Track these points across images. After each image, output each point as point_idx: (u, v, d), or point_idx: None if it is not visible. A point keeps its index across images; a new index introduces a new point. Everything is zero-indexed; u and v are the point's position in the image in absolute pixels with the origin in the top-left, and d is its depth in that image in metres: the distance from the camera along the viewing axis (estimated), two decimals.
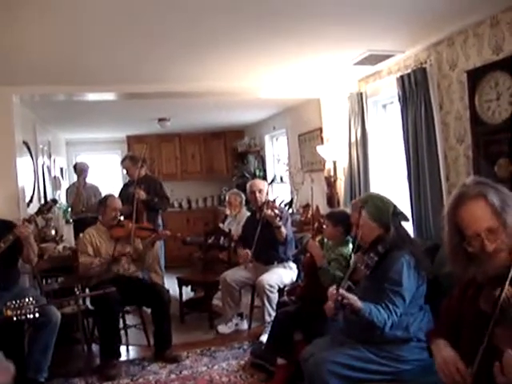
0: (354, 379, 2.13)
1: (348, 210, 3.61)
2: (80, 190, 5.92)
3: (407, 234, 2.46)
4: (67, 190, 6.18)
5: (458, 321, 1.60)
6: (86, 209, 5.85)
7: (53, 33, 2.90)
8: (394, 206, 2.51)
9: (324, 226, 3.39)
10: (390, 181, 4.36)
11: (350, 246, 3.28)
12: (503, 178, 2.87)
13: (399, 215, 2.49)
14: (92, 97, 4.56)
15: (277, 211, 4.06)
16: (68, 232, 5.22)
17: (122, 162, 5.46)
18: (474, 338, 1.43)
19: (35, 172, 5.32)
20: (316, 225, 3.50)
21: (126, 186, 5.38)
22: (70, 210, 6.07)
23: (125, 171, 5.58)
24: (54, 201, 3.67)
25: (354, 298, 2.13)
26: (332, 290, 2.17)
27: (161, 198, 5.19)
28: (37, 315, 2.42)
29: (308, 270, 3.42)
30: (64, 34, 2.94)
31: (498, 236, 1.48)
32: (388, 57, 3.83)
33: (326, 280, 3.08)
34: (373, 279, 2.25)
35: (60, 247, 4.40)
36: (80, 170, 6.06)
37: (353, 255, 2.30)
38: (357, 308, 2.12)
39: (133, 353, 3.99)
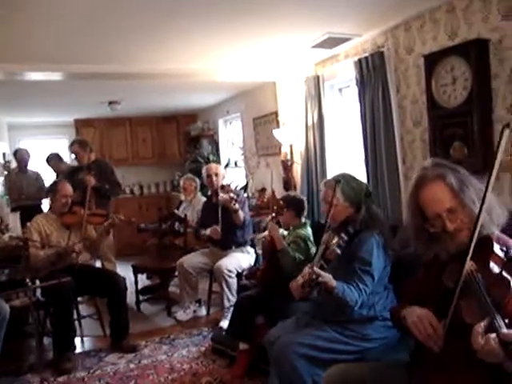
0: (320, 360, 2.14)
1: (297, 194, 3.70)
2: (18, 177, 5.97)
3: (377, 215, 2.48)
4: (5, 177, 6.12)
5: (421, 300, 1.62)
6: (26, 196, 5.86)
7: None
8: (367, 187, 2.54)
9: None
10: (347, 164, 4.41)
11: (309, 228, 3.33)
12: (458, 161, 2.94)
13: (370, 195, 2.51)
14: (35, 76, 4.28)
15: (232, 195, 4.01)
16: (14, 221, 4.94)
17: (70, 146, 5.22)
18: (438, 315, 1.47)
19: None
20: (275, 207, 3.48)
21: (74, 171, 5.13)
22: (6, 197, 5.94)
23: (73, 156, 5.34)
24: None
25: (328, 277, 2.13)
26: (307, 268, 2.17)
27: (112, 184, 5.01)
28: None
29: (268, 253, 3.41)
30: (5, 7, 2.72)
31: (458, 215, 1.55)
32: (346, 40, 3.83)
33: (285, 262, 3.09)
34: (342, 259, 2.26)
35: (6, 237, 4.15)
36: (20, 156, 6.07)
37: (324, 234, 2.28)
38: (331, 287, 2.13)
39: (88, 344, 3.85)
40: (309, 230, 3.35)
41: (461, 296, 1.42)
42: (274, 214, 3.37)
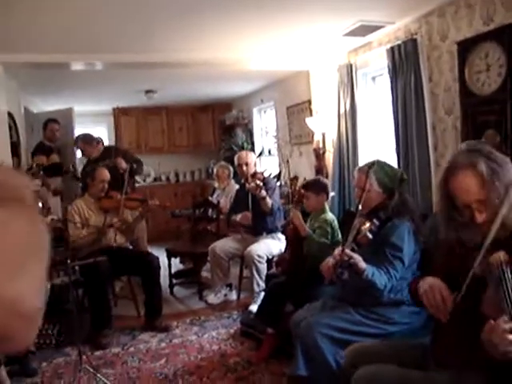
0: (344, 341, 2.18)
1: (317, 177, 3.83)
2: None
3: (409, 202, 2.48)
4: None
5: (449, 274, 1.59)
6: None
7: (40, 1, 2.82)
8: (402, 173, 2.52)
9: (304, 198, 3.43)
10: (379, 152, 4.38)
11: (329, 212, 3.39)
12: None
13: (404, 182, 2.51)
14: (76, 66, 4.46)
15: (259, 182, 4.06)
16: (55, 204, 5.17)
17: (75, 143, 5.34)
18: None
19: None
20: (296, 197, 3.51)
21: (87, 164, 5.22)
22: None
23: (80, 152, 5.50)
24: (38, 166, 3.51)
25: (359, 258, 2.16)
26: (337, 251, 2.20)
27: (137, 163, 5.13)
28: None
29: (292, 240, 3.47)
30: (51, 2, 2.86)
31: (488, 206, 1.46)
32: (379, 28, 3.80)
33: (311, 248, 3.16)
34: (373, 244, 2.27)
35: (48, 219, 4.36)
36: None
37: (355, 219, 2.29)
38: (361, 268, 2.16)
39: (123, 323, 4.02)
40: (331, 214, 3.40)
41: (484, 285, 1.38)
42: (295, 203, 3.42)
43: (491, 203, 1.45)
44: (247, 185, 4.21)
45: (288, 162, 4.22)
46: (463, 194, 1.50)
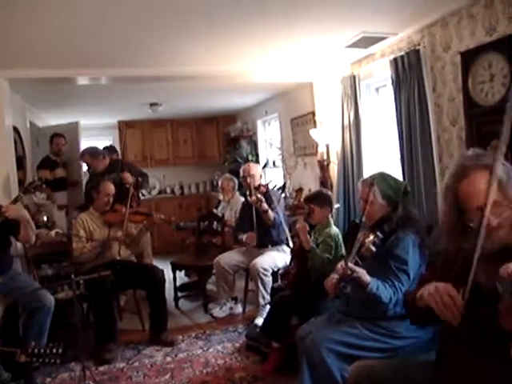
0: (350, 356, 2.15)
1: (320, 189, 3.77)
2: None
3: (413, 214, 2.46)
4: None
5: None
6: None
7: (44, 16, 2.85)
8: (405, 185, 2.50)
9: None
10: (383, 163, 4.37)
11: (334, 226, 3.34)
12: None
13: (408, 194, 2.48)
14: (82, 80, 4.49)
15: (259, 195, 4.05)
16: (60, 218, 5.18)
17: (81, 156, 5.32)
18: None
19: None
20: (306, 209, 3.46)
21: (93, 177, 5.18)
22: None
23: (85, 166, 5.50)
24: (41, 179, 3.51)
25: (362, 272, 2.13)
26: (340, 265, 2.18)
27: (142, 176, 5.13)
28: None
29: (298, 253, 3.41)
30: (55, 17, 2.88)
31: (502, 210, 1.41)
32: (381, 39, 3.81)
33: (315, 263, 3.12)
34: (377, 257, 2.24)
35: (52, 233, 4.37)
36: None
37: (359, 232, 2.27)
38: (365, 282, 2.13)
39: (128, 337, 3.99)
40: (335, 228, 3.36)
41: (497, 298, 1.31)
42: (305, 216, 3.37)
43: (507, 205, 1.41)
44: (249, 198, 4.20)
45: (289, 174, 4.19)
46: (476, 195, 1.43)
